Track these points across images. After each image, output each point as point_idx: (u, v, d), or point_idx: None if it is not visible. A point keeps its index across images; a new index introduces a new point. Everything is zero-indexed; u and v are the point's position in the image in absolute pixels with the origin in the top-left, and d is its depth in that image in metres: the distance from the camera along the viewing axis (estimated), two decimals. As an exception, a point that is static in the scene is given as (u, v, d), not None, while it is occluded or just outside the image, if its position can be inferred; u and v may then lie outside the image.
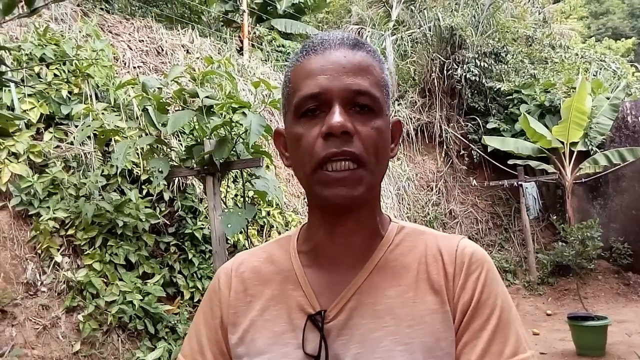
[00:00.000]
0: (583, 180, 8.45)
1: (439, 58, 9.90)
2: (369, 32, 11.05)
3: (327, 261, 0.83)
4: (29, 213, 3.80)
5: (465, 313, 0.77)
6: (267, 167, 5.41)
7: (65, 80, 4.42)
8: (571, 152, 8.06)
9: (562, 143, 8.02)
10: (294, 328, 0.79)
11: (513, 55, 9.91)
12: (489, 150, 9.05)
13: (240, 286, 0.86)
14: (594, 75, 10.25)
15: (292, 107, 0.79)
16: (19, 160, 3.87)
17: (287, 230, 5.18)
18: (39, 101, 4.14)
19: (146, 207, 4.23)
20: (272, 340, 0.79)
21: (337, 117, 0.73)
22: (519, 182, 8.43)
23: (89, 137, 4.21)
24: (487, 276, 0.79)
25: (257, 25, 10.15)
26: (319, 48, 0.79)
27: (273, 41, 9.67)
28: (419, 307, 0.77)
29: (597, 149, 8.16)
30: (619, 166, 8.07)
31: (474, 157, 9.63)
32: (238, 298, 0.86)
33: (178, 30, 6.78)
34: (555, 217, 7.26)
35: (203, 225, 4.59)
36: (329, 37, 0.80)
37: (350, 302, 0.78)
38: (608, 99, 8.37)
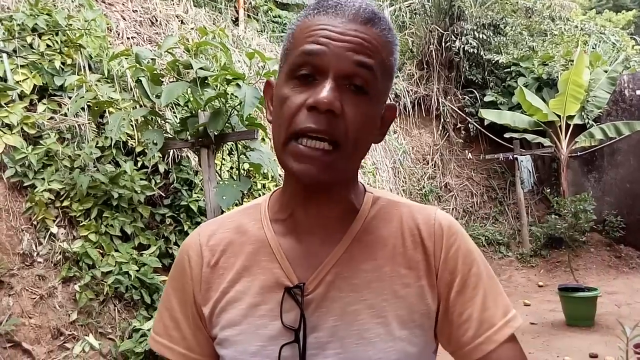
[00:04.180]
0: (578, 153, 8.47)
1: (437, 30, 9.80)
2: (366, 2, 10.88)
3: (302, 232, 0.82)
4: (24, 184, 3.81)
5: (452, 286, 0.79)
6: (263, 139, 5.40)
7: (58, 50, 4.37)
8: (567, 126, 8.05)
9: (559, 116, 8.00)
10: (268, 300, 0.79)
11: (512, 27, 9.79)
12: (485, 124, 9.03)
13: (212, 260, 0.84)
14: (593, 48, 10.16)
15: (287, 64, 0.75)
16: (13, 132, 3.85)
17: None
18: (32, 72, 4.10)
19: (141, 179, 4.23)
20: (246, 312, 0.79)
21: (326, 91, 0.68)
22: (515, 156, 8.45)
23: (82, 108, 4.18)
24: (465, 246, 0.82)
25: (253, -6, 9.99)
26: (331, 10, 0.74)
27: (269, 12, 9.54)
28: (395, 281, 0.79)
29: (593, 123, 8.16)
30: (614, 140, 8.08)
31: (471, 130, 9.61)
32: (210, 272, 0.83)
33: (172, 0, 6.67)
34: (549, 190, 7.29)
35: (198, 197, 4.61)
36: (346, 1, 0.75)
37: (328, 275, 0.78)
38: (606, 72, 8.31)
